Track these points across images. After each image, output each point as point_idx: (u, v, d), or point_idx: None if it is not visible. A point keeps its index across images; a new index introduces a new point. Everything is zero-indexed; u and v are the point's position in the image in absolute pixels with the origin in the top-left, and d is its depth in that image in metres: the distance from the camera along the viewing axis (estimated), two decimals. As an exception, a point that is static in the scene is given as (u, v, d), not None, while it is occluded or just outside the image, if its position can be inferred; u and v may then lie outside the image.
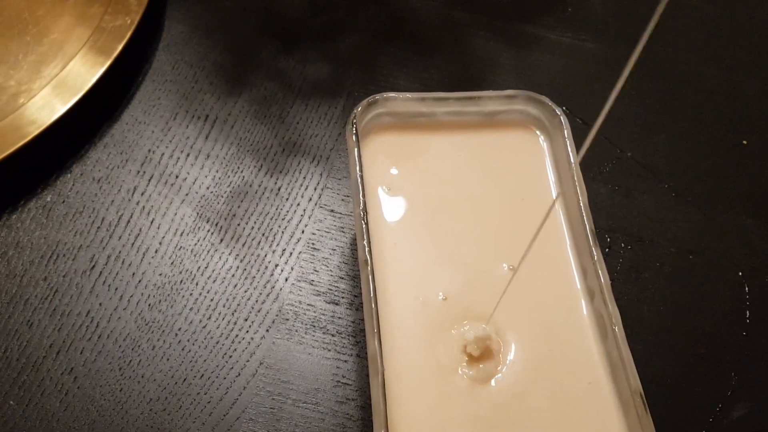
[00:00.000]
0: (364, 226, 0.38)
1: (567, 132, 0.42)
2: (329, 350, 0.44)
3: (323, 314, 0.45)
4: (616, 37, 0.58)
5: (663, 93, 0.56)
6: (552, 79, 0.56)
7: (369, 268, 0.37)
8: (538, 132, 0.44)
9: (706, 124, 0.55)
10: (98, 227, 0.47)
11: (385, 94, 0.43)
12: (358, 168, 0.40)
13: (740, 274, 0.48)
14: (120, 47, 0.50)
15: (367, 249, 0.37)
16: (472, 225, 0.41)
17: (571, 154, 0.41)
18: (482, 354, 0.37)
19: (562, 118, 0.42)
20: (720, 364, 0.45)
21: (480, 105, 0.44)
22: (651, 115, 0.55)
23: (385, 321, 0.37)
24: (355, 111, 0.41)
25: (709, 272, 0.48)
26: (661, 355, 0.45)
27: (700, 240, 0.49)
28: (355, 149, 0.40)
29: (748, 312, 0.47)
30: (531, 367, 0.37)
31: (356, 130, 0.41)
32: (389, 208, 0.42)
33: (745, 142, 0.54)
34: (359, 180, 0.39)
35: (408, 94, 0.43)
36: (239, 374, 0.43)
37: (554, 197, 0.42)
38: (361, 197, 0.39)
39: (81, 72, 0.50)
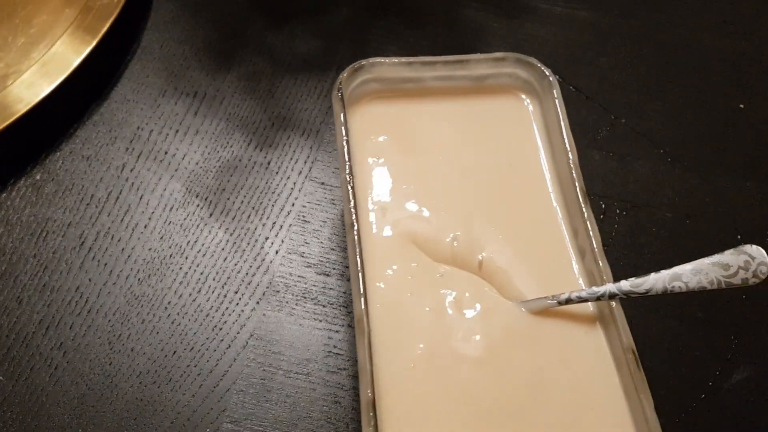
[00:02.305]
0: (350, 189, 0.37)
1: (556, 92, 0.41)
2: (320, 321, 0.43)
3: (314, 285, 0.44)
4: (610, 5, 0.58)
5: (658, 59, 0.55)
6: (545, 48, 0.55)
7: (355, 230, 0.36)
8: (528, 96, 0.44)
9: (702, 89, 0.54)
10: (87, 204, 0.47)
11: (371, 60, 0.42)
12: (343, 132, 0.39)
13: (739, 237, 0.47)
14: (107, 26, 0.50)
15: (353, 213, 0.37)
16: (461, 191, 0.40)
17: (560, 114, 0.41)
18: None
19: (551, 78, 0.42)
20: (719, 327, 0.44)
21: (468, 69, 0.43)
22: (646, 81, 0.54)
23: (372, 287, 0.37)
24: (341, 76, 0.41)
25: (707, 235, 0.47)
26: (659, 320, 0.44)
27: (698, 203, 0.49)
28: (341, 114, 0.40)
29: (747, 275, 0.46)
30: (523, 322, 0.36)
31: (341, 95, 0.40)
32: (377, 175, 0.41)
33: (742, 105, 0.53)
34: (345, 144, 0.39)
35: (394, 59, 0.42)
36: (229, 346, 0.42)
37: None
38: (346, 161, 0.38)
39: (67, 52, 0.49)
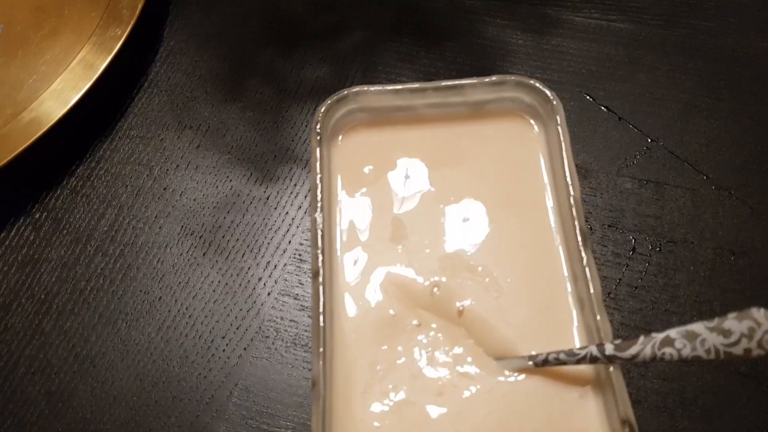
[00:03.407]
0: (319, 233, 0.34)
1: (560, 117, 0.37)
2: (310, 370, 0.40)
3: (306, 330, 0.41)
4: (651, 14, 0.52)
5: (706, 73, 0.49)
6: (574, 65, 0.50)
7: (320, 279, 0.33)
8: (534, 120, 0.39)
9: (756, 106, 0.47)
10: (83, 244, 0.45)
11: (355, 88, 0.39)
12: (318, 169, 0.36)
13: (794, 277, 0.41)
14: (109, 59, 0.49)
15: (320, 259, 0.34)
16: (451, 227, 0.37)
17: (563, 142, 0.36)
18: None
19: (554, 102, 0.37)
20: (765, 384, 0.38)
21: (464, 94, 0.39)
22: (690, 98, 0.48)
23: (342, 339, 0.33)
24: (319, 109, 0.38)
25: (756, 276, 0.41)
26: (694, 374, 0.38)
27: (746, 239, 0.42)
28: (317, 149, 0.37)
29: (805, 322, 0.39)
30: (503, 382, 0.32)
31: (320, 129, 0.37)
32: (359, 211, 0.38)
33: (803, 123, 0.46)
34: (319, 182, 0.36)
35: (379, 87, 0.39)
36: (212, 396, 0.40)
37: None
38: (318, 201, 0.35)
39: (69, 86, 0.49)
